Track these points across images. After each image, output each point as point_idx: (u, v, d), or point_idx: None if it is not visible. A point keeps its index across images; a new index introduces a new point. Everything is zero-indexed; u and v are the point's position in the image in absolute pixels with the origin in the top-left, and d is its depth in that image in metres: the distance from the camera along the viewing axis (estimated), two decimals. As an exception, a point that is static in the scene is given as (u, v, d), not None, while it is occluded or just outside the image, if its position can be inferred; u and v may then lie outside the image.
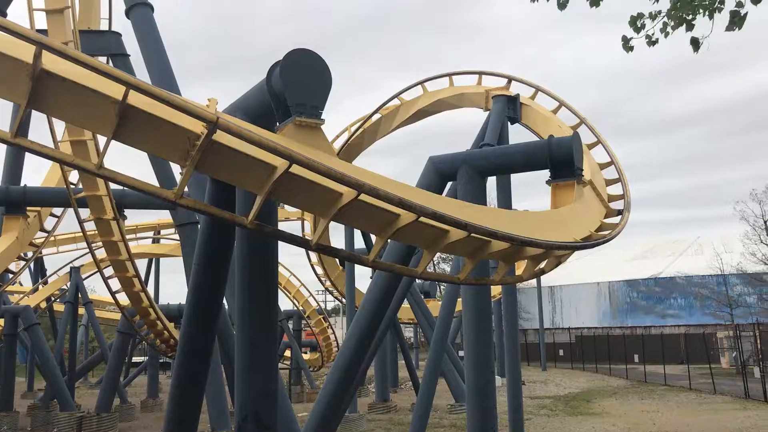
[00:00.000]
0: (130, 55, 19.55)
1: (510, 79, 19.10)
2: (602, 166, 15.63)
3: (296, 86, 7.32)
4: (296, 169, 6.30)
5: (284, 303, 43.66)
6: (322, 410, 12.22)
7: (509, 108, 16.90)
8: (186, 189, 6.51)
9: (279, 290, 42.75)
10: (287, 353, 43.41)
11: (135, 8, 17.28)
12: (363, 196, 6.66)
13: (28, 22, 16.29)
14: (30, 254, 23.29)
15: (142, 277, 25.96)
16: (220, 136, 6.08)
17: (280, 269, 42.86)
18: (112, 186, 18.48)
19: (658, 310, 63.76)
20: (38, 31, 16.40)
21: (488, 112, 17.17)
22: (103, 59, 20.83)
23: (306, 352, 49.63)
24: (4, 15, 17.46)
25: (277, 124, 7.59)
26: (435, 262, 70.71)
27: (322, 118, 7.48)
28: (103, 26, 20.17)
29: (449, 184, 12.07)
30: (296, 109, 7.29)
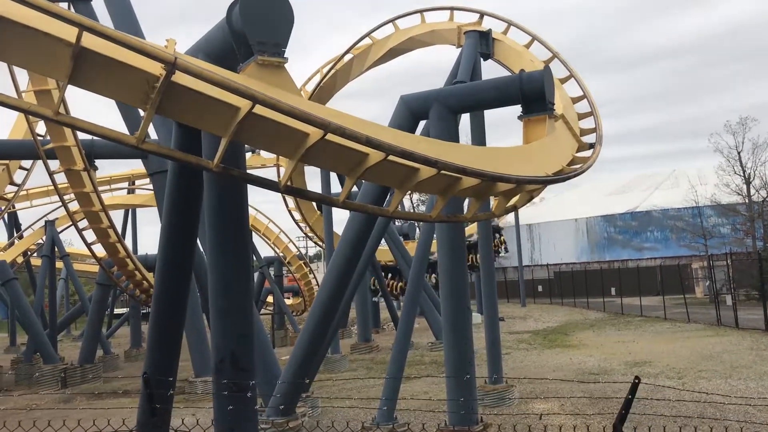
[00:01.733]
0: (91, 1, 18.93)
1: (482, 14, 18.83)
2: (575, 100, 15.58)
3: (257, 24, 7.14)
4: (260, 109, 6.19)
5: (265, 250, 43.80)
6: (302, 351, 12.40)
7: (482, 44, 16.70)
8: (155, 135, 6.41)
9: (259, 237, 42.72)
10: (269, 299, 43.75)
11: (92, -49, 16.67)
12: (330, 136, 6.58)
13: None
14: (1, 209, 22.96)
15: (118, 229, 25.82)
16: (180, 78, 5.94)
17: (260, 217, 42.85)
18: (82, 136, 18.18)
19: (635, 244, 64.80)
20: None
21: (460, 48, 16.95)
22: (64, 5, 20.21)
23: (288, 298, 50.04)
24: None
25: (240, 64, 7.42)
26: (414, 204, 70.94)
27: (285, 56, 7.32)
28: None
29: (422, 123, 12.00)
30: (258, 47, 7.13)
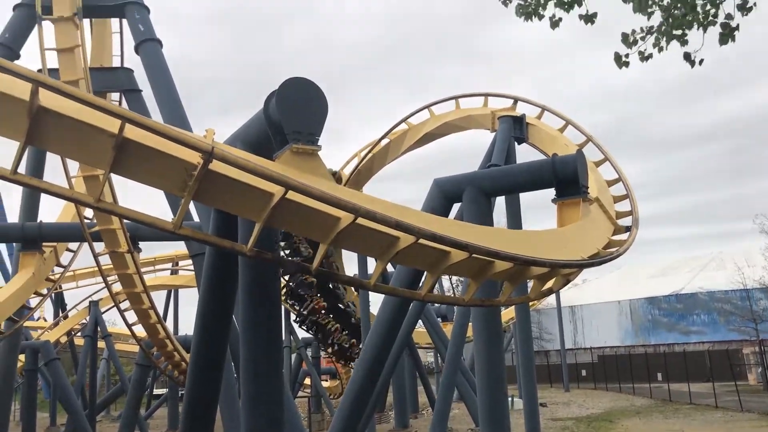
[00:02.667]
0: (142, 91, 19.86)
1: (516, 100, 19.18)
2: (610, 183, 15.59)
3: (292, 114, 7.43)
4: (292, 195, 6.37)
5: (302, 331, 43.60)
6: (335, 436, 12.20)
7: (515, 128, 16.95)
8: (197, 219, 6.62)
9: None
10: (307, 381, 43.26)
11: (144, 44, 17.62)
12: (360, 220, 6.71)
13: (40, 62, 16.63)
14: (46, 290, 23.51)
15: (161, 310, 26.13)
16: (217, 166, 6.18)
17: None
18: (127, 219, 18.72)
19: (681, 327, 62.85)
20: (50, 70, 16.79)
21: (495, 133, 17.22)
22: (116, 95, 21.25)
23: (326, 380, 49.42)
24: (18, 56, 17.84)
25: (276, 152, 7.68)
26: (454, 285, 70.35)
27: (318, 144, 7.57)
28: (116, 63, 20.54)
29: (456, 206, 12.10)
30: (293, 136, 7.40)
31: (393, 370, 15.58)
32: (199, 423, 9.16)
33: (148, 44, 17.70)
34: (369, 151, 23.96)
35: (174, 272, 39.83)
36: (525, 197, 16.46)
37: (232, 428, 18.33)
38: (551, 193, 11.51)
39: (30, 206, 22.02)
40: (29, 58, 28.37)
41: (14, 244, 25.08)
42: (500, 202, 17.29)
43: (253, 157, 6.93)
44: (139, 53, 17.88)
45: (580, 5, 7.86)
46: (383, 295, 11.61)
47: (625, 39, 7.83)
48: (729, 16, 7.28)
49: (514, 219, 16.70)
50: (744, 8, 7.14)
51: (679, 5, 7.30)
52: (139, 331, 24.24)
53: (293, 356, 41.74)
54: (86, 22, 19.02)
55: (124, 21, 19.10)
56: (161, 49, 18.12)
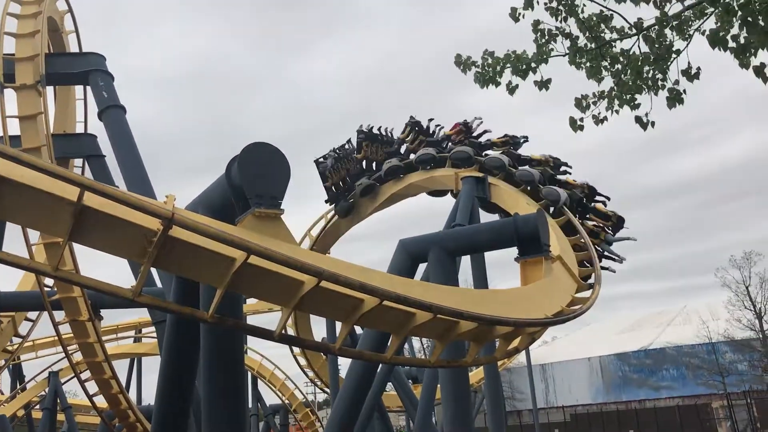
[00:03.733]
0: (105, 156, 19.79)
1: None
2: (573, 242, 15.81)
3: (254, 178, 7.47)
4: (254, 259, 6.34)
5: (271, 397, 42.70)
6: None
7: (478, 188, 17.20)
8: (160, 285, 6.53)
9: (265, 384, 41.71)
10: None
11: (107, 110, 17.66)
12: (324, 283, 6.69)
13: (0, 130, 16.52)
14: (3, 361, 22.79)
15: (123, 379, 25.42)
16: (177, 232, 6.15)
17: (265, 363, 42.12)
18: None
19: (651, 383, 62.91)
20: (10, 137, 16.68)
21: (458, 193, 17.46)
22: (79, 161, 21.14)
23: (295, 448, 48.15)
24: (-21, 123, 17.71)
25: (238, 216, 7.68)
26: (425, 346, 69.78)
27: (281, 208, 7.59)
28: (80, 129, 20.52)
29: (423, 266, 12.15)
30: (255, 200, 7.41)
31: (363, 435, 15.28)
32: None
33: (111, 110, 17.74)
34: (335, 213, 24.03)
35: (137, 340, 38.95)
36: (495, 255, 16.58)
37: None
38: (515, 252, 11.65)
39: (-13, 275, 21.50)
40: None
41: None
42: (466, 261, 17.40)
43: (215, 222, 6.91)
44: (102, 119, 17.90)
45: (534, 72, 8.14)
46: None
47: (579, 104, 8.12)
48: (676, 82, 7.60)
49: (480, 278, 16.79)
50: (689, 75, 7.46)
51: (627, 71, 7.60)
52: (101, 402, 23.49)
53: (261, 424, 40.65)
54: (50, 89, 19.08)
55: (88, 88, 19.19)
56: (125, 115, 18.16)
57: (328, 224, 24.54)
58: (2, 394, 39.78)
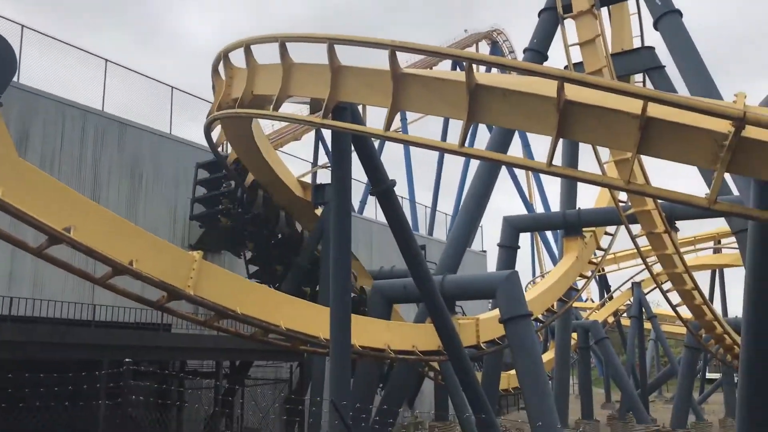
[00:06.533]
0: (665, 66, 19.40)
1: None
2: None
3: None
4: None
5: None
6: None
7: None
8: (736, 193, 6.15)
9: None
10: None
11: (663, 18, 17.21)
12: None
13: (565, 59, 17.69)
14: (590, 273, 24.86)
15: (705, 291, 25.01)
16: (751, 132, 5.62)
17: None
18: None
19: None
20: (575, 64, 17.71)
21: None
22: (639, 77, 21.25)
23: None
24: (546, 57, 19.31)
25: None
26: None
27: None
28: (636, 43, 20.53)
29: None
30: None
31: None
32: (758, 412, 8.44)
33: (667, 17, 17.24)
34: None
35: (717, 251, 37.74)
36: None
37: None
38: None
39: (569, 195, 23.64)
40: (557, 57, 30.54)
41: (558, 231, 27.30)
42: None
43: (796, 114, 6.05)
44: (659, 28, 17.52)
45: None
46: None
47: None
48: None
49: None
50: None
51: None
52: (684, 312, 23.67)
53: None
54: (604, 11, 19.49)
55: (641, 0, 18.98)
56: (681, 20, 17.41)
57: None
58: (593, 302, 43.80)
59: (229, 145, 16.47)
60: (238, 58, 11.34)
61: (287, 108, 13.72)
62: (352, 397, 11.16)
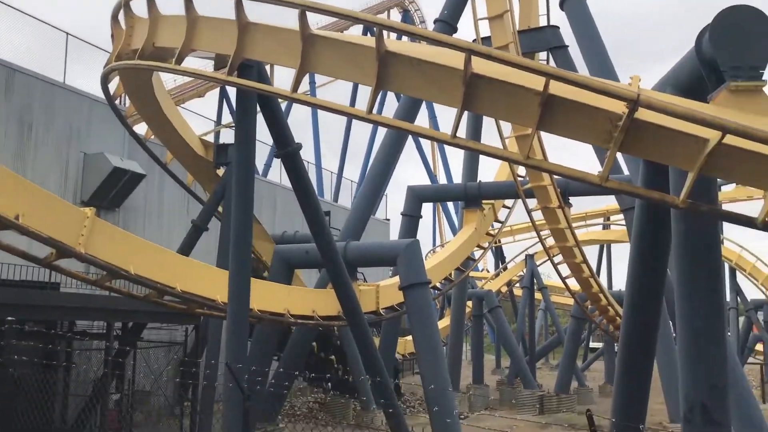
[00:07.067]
0: (568, 46, 20.02)
1: None
2: None
3: (729, 48, 6.59)
4: (731, 139, 5.71)
5: (752, 292, 39.64)
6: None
7: None
8: (627, 172, 6.46)
9: (745, 277, 38.88)
10: (759, 347, 39.27)
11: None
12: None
13: (473, 32, 17.94)
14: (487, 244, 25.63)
15: (593, 264, 26.34)
16: (643, 114, 5.88)
17: (746, 255, 38.93)
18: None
19: None
20: (483, 38, 17.99)
21: None
22: (543, 55, 21.84)
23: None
24: (455, 29, 19.50)
25: (710, 94, 6.95)
26: None
27: (763, 79, 6.60)
28: (542, 22, 21.05)
29: None
30: (730, 73, 6.57)
31: None
32: (633, 379, 9.00)
33: (572, -1, 17.73)
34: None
35: (605, 227, 39.71)
36: None
37: (672, 387, 17.66)
38: None
39: (470, 168, 24.18)
40: (465, 30, 30.82)
41: (459, 202, 27.92)
42: None
43: (684, 101, 6.39)
44: (564, 9, 18.02)
45: None
46: None
47: None
48: None
49: None
50: None
51: None
52: (573, 284, 24.85)
53: (741, 319, 38.23)
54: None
55: (550, -21, 19.47)
56: (586, 2, 17.97)
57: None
58: (488, 272, 45.27)
59: (127, 98, 15.79)
60: (140, 7, 10.84)
61: (190, 62, 13.28)
62: (248, 362, 11.10)
